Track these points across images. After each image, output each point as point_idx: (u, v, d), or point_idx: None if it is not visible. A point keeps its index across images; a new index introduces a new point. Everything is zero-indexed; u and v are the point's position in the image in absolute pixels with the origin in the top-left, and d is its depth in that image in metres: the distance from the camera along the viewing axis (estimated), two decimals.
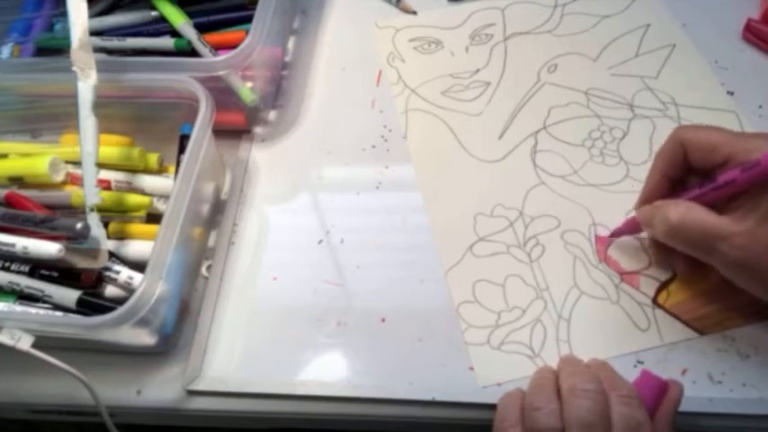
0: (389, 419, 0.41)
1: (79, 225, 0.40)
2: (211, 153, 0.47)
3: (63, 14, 0.46)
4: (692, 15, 0.57)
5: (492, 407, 0.38)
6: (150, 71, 0.47)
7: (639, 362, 0.41)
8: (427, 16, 0.60)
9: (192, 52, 0.51)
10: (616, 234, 0.45)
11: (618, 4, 0.59)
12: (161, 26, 0.53)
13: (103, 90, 0.44)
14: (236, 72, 0.48)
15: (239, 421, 0.43)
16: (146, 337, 0.41)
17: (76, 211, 0.45)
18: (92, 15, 0.53)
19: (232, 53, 0.47)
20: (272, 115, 0.55)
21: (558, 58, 0.56)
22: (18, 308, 0.41)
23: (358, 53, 0.59)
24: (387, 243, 0.47)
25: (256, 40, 0.48)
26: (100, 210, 0.41)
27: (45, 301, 0.41)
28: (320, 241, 0.48)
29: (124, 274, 0.42)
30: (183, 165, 0.42)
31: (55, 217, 0.42)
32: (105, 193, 0.44)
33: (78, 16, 0.44)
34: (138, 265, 0.42)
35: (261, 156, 0.53)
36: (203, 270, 0.47)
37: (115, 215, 0.46)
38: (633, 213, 0.43)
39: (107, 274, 0.42)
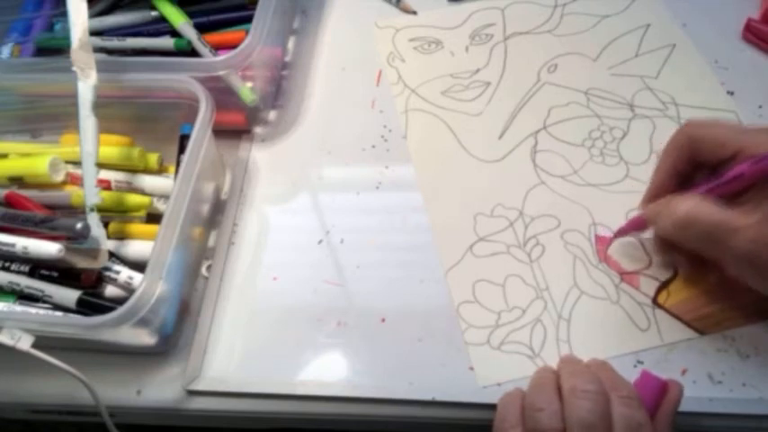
0: (389, 419, 0.41)
1: (79, 225, 0.40)
2: (211, 153, 0.47)
3: (63, 14, 0.46)
4: (692, 15, 0.57)
5: (492, 407, 0.38)
6: (150, 71, 0.47)
7: (639, 362, 0.41)
8: (427, 16, 0.60)
9: (192, 52, 0.51)
10: (620, 233, 0.45)
11: (618, 4, 0.59)
12: (161, 26, 0.53)
13: (103, 90, 0.43)
14: (236, 72, 0.48)
15: (239, 421, 0.43)
16: (146, 337, 0.41)
17: (76, 211, 0.45)
18: (92, 15, 0.53)
19: (232, 53, 0.47)
20: (272, 115, 0.55)
21: (558, 58, 0.56)
22: (18, 308, 0.41)
23: (358, 53, 0.59)
24: (387, 243, 0.47)
25: (256, 40, 0.48)
26: (100, 210, 0.41)
27: (45, 301, 0.41)
28: (320, 241, 0.48)
29: (124, 274, 0.42)
30: (182, 165, 0.42)
31: (55, 217, 0.42)
32: (105, 193, 0.44)
33: (78, 16, 0.44)
34: (138, 265, 0.42)
35: (261, 156, 0.53)
36: (203, 270, 0.47)
37: (115, 215, 0.46)
38: (637, 212, 0.43)
39: (107, 274, 0.42)
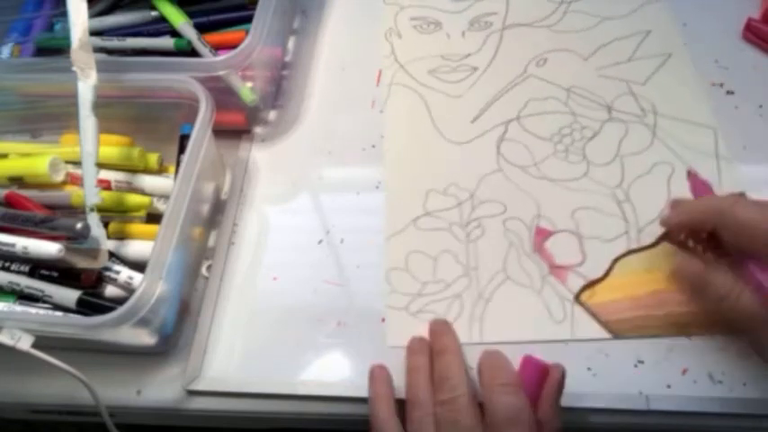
0: None
1: (79, 225, 0.40)
2: (211, 153, 0.47)
3: (63, 14, 0.46)
4: (692, 15, 0.57)
5: None
6: (150, 71, 0.47)
7: (640, 361, 0.41)
8: None
9: (192, 52, 0.51)
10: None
11: (623, 7, 0.58)
12: (161, 26, 0.53)
13: (103, 90, 0.43)
14: (236, 72, 0.48)
15: (239, 421, 0.43)
16: (146, 337, 0.41)
17: (76, 211, 0.45)
18: (92, 15, 0.53)
19: (232, 53, 0.47)
20: (272, 115, 0.55)
21: (550, 54, 0.56)
22: (18, 308, 0.41)
23: (358, 53, 0.58)
24: None
25: (256, 40, 0.48)
26: (100, 210, 0.41)
27: (45, 301, 0.41)
28: (320, 241, 0.48)
29: (124, 274, 0.42)
30: (183, 165, 0.42)
31: (55, 217, 0.42)
32: (105, 193, 0.44)
33: (78, 16, 0.44)
34: (138, 265, 0.42)
35: (261, 156, 0.53)
36: (203, 270, 0.47)
37: (115, 215, 0.46)
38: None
39: (107, 274, 0.42)
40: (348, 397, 0.41)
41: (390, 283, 0.45)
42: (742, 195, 0.41)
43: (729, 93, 0.52)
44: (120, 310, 0.36)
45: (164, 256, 0.39)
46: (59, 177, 0.47)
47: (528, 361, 0.38)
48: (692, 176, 0.47)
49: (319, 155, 0.52)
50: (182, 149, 0.46)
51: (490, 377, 0.37)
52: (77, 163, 0.45)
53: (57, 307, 0.41)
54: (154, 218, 0.46)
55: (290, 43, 0.60)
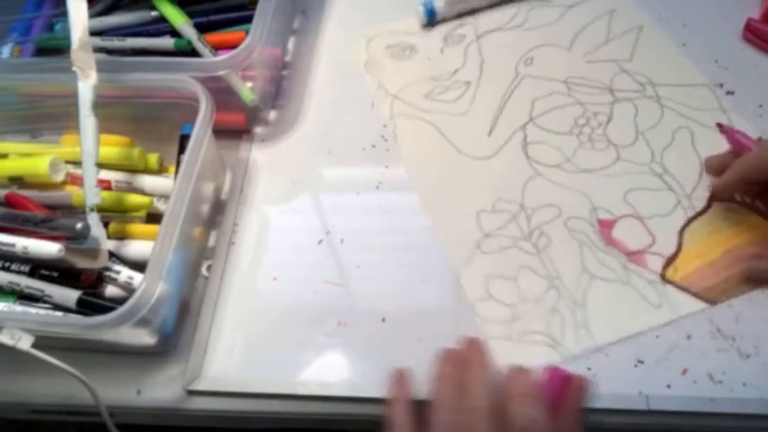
0: None
1: (79, 225, 0.40)
2: (211, 153, 0.47)
3: (63, 14, 0.46)
4: (692, 15, 0.57)
5: None
6: (150, 71, 0.47)
7: (640, 361, 0.41)
8: (397, 23, 0.60)
9: (192, 52, 0.51)
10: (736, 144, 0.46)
11: None
12: (161, 26, 0.53)
13: (103, 90, 0.44)
14: (236, 72, 0.48)
15: (239, 421, 0.43)
16: (146, 337, 0.41)
17: (76, 211, 0.45)
18: (92, 15, 0.53)
19: (232, 53, 0.47)
20: (272, 115, 0.55)
21: (533, 51, 0.56)
22: (18, 308, 0.41)
23: (358, 53, 0.58)
24: (387, 243, 0.47)
25: (256, 40, 0.48)
26: (100, 210, 0.41)
27: (45, 301, 0.41)
28: (320, 241, 0.48)
29: (124, 274, 0.42)
30: (183, 165, 0.42)
31: (55, 217, 0.42)
32: (105, 193, 0.44)
33: (78, 16, 0.44)
34: (138, 265, 0.42)
35: (261, 156, 0.53)
36: (203, 270, 0.47)
37: (115, 215, 0.46)
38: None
39: (107, 274, 0.42)
40: (348, 397, 0.41)
41: (481, 316, 0.43)
42: None
43: (729, 93, 0.52)
44: (120, 310, 0.36)
45: (164, 256, 0.39)
46: (59, 177, 0.47)
47: (551, 372, 0.38)
48: (724, 129, 0.47)
49: (319, 155, 0.52)
50: (182, 149, 0.46)
51: (510, 387, 0.37)
52: (77, 163, 0.45)
53: (57, 307, 0.41)
54: (154, 218, 0.46)
55: (290, 43, 0.60)
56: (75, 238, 0.40)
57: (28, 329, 0.37)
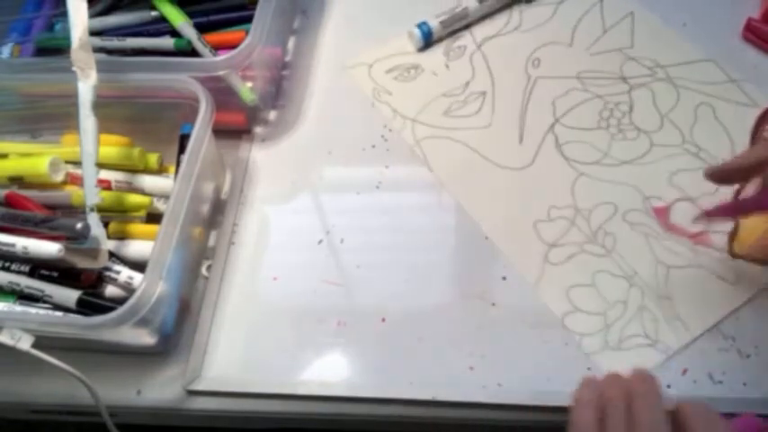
0: (390, 419, 0.41)
1: (79, 225, 0.40)
2: (211, 153, 0.47)
3: (63, 14, 0.46)
4: (692, 15, 0.57)
5: (490, 406, 0.38)
6: (150, 71, 0.47)
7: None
8: (393, 45, 0.58)
9: (192, 52, 0.51)
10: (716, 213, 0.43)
11: None
12: (161, 26, 0.53)
13: (103, 90, 0.44)
14: (236, 72, 0.48)
15: (239, 421, 0.43)
16: (146, 337, 0.41)
17: (76, 211, 0.45)
18: (92, 15, 0.53)
19: (232, 53, 0.47)
20: (272, 115, 0.55)
21: (537, 52, 0.56)
22: (18, 308, 0.41)
23: (358, 53, 0.58)
24: (387, 243, 0.47)
25: (256, 40, 0.48)
26: (100, 210, 0.41)
27: (45, 301, 0.41)
28: (320, 241, 0.48)
29: (124, 274, 0.42)
30: (183, 165, 0.42)
31: (55, 217, 0.42)
32: (105, 193, 0.44)
33: (78, 16, 0.44)
34: (138, 265, 0.42)
35: (261, 156, 0.53)
36: (203, 270, 0.47)
37: (115, 215, 0.46)
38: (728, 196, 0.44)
39: (107, 274, 0.42)
40: (348, 397, 0.41)
41: (574, 331, 0.42)
42: None
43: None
44: (120, 310, 0.36)
45: (164, 256, 0.39)
46: (59, 177, 0.47)
47: (746, 421, 0.36)
48: (709, 212, 0.42)
49: (319, 155, 0.52)
50: (182, 149, 0.46)
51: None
52: (77, 163, 0.45)
53: (57, 307, 0.41)
54: (154, 218, 0.46)
55: (290, 43, 0.60)
56: (76, 238, 0.40)
57: (28, 329, 0.37)
